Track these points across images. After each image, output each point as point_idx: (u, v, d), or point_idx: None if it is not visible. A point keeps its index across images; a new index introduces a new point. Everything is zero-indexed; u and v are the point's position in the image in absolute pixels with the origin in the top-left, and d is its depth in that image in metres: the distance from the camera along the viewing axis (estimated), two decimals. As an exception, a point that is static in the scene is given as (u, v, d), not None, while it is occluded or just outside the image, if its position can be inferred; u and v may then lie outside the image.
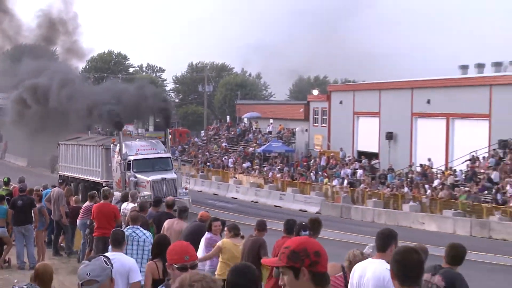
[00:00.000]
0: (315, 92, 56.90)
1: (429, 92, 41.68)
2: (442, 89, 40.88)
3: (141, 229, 10.73)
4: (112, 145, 37.33)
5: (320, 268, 3.74)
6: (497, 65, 46.61)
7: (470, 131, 38.77)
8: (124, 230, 9.63)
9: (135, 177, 33.84)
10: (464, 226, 29.16)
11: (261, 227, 11.40)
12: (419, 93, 42.36)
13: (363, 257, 7.56)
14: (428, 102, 41.19)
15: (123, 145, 35.29)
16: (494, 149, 35.77)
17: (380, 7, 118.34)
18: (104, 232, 14.12)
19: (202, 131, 65.78)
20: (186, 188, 35.29)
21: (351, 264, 7.46)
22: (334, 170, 43.90)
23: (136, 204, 14.78)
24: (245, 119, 59.49)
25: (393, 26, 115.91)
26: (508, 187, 30.37)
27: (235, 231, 11.52)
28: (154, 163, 35.11)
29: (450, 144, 40.75)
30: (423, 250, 6.81)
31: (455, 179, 34.82)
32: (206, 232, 11.75)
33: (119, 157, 35.45)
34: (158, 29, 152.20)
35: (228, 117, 67.84)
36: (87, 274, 4.35)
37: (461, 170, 35.68)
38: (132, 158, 34.72)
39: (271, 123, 57.84)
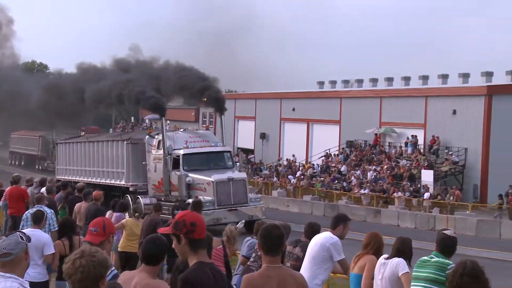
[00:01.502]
0: (204, 99, 60.20)
1: (294, 101, 46.50)
2: (304, 100, 46.05)
3: (44, 207, 10.45)
4: (147, 137, 26.51)
5: (195, 236, 4.15)
6: (346, 82, 52.43)
7: (325, 133, 44.61)
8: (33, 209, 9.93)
9: (188, 177, 23.17)
10: (319, 209, 33.02)
11: (157, 208, 13.01)
12: (286, 102, 47.57)
13: (237, 231, 8.51)
14: (293, 109, 46.07)
15: (166, 137, 24.53)
16: (343, 148, 41.75)
17: (261, 30, 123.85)
18: (14, 211, 14.39)
19: (111, 129, 64.92)
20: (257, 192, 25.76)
21: (229, 238, 8.23)
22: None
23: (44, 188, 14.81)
24: (147, 120, 59.78)
25: (272, 46, 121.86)
26: (353, 178, 35.61)
27: (137, 212, 12.93)
28: (210, 158, 24.34)
29: (309, 143, 46.91)
30: (285, 227, 7.57)
31: (313, 171, 39.40)
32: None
33: (160, 152, 24.63)
34: (71, 36, 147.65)
35: (132, 118, 70.27)
36: (3, 248, 4.40)
37: (317, 164, 40.81)
38: (181, 152, 23.81)
39: (168, 124, 60.22)
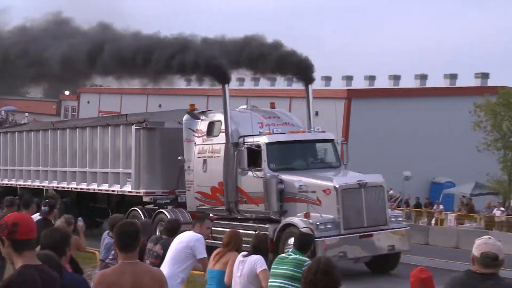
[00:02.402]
0: (67, 92, 58.19)
1: (161, 98, 44.89)
2: (171, 96, 43.58)
3: None
4: (186, 118, 16.09)
5: (18, 236, 3.80)
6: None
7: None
8: None
9: (298, 182, 13.20)
10: None
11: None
12: (153, 98, 46.21)
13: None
14: (160, 106, 43.77)
15: (229, 117, 14.63)
16: None
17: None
18: None
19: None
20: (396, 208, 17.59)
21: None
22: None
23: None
24: (2, 111, 57.27)
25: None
26: None
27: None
28: (309, 151, 14.81)
29: None
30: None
31: None
32: None
33: (216, 141, 14.98)
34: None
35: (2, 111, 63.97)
36: None
37: None
38: (264, 140, 14.06)
39: (26, 116, 55.19)
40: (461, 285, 4.22)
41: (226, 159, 14.25)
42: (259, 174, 13.65)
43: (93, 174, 20.22)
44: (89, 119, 22.42)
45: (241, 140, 14.23)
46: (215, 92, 37.28)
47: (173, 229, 7.60)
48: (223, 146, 14.46)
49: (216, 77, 14.47)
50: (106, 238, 8.38)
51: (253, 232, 12.46)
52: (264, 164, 13.69)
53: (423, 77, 40.45)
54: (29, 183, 23.63)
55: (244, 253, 6.38)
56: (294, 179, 13.17)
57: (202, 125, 15.38)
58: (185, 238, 6.98)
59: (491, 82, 37.01)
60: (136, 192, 17.83)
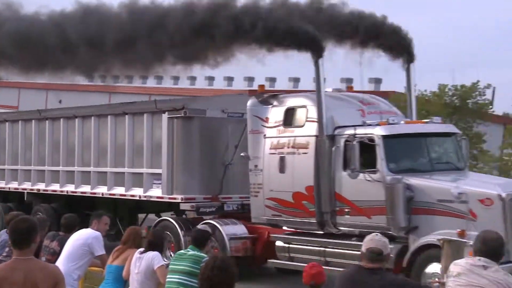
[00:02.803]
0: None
1: (62, 93, 41.75)
2: (72, 92, 40.56)
3: None
4: (250, 102, 12.45)
5: None
6: (116, 77, 45.70)
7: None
8: None
9: (409, 189, 9.83)
10: None
11: None
12: (53, 94, 42.66)
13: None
14: (60, 102, 40.52)
15: (323, 101, 10.85)
16: None
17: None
18: None
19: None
20: None
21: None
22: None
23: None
24: None
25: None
26: None
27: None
28: (430, 147, 10.89)
29: None
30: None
31: None
32: None
33: (296, 134, 11.32)
34: None
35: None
36: None
37: None
38: (380, 132, 10.34)
39: None
40: (349, 280, 4.54)
41: (319, 156, 10.62)
42: (375, 177, 10.01)
43: (100, 175, 16.27)
44: (93, 107, 18.33)
45: (338, 131, 10.68)
46: (119, 89, 35.32)
47: (70, 226, 7.52)
48: (312, 140, 10.84)
49: (311, 49, 10.75)
50: (3, 235, 7.91)
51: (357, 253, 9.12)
52: (382, 164, 10.06)
53: (272, 80, 41.64)
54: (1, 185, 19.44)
55: (141, 249, 6.38)
56: (445, 186, 9.60)
57: (276, 113, 11.60)
58: (82, 236, 7.02)
59: (383, 87, 37.78)
60: (170, 198, 13.99)
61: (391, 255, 9.33)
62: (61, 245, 7.10)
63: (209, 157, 14.10)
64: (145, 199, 14.77)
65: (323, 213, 10.59)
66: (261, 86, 12.06)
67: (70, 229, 7.43)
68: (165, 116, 14.22)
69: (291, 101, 11.63)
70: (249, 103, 12.19)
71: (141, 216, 17.32)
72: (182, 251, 6.27)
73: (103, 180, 16.11)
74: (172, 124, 14.11)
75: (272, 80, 41.77)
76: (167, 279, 6.01)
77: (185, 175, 13.92)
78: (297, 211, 11.03)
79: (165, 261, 6.66)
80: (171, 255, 12.74)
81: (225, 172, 14.09)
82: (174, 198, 13.83)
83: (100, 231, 7.12)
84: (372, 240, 4.52)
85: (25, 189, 18.78)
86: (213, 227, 12.60)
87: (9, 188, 19.36)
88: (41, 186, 18.17)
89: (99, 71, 16.23)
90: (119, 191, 15.50)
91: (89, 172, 16.51)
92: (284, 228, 11.63)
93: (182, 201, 13.59)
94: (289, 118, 11.42)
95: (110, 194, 15.79)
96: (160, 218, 14.39)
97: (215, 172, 14.07)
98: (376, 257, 4.42)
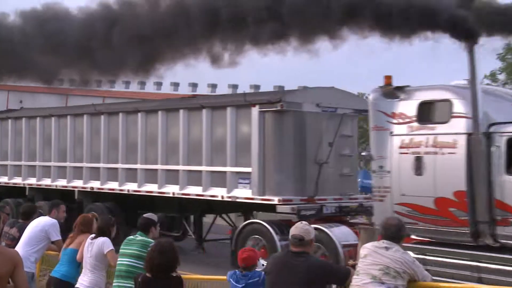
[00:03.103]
0: None
1: (23, 94, 42.53)
2: (32, 93, 41.23)
3: None
4: (373, 96, 10.46)
5: None
6: (72, 80, 50.85)
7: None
8: None
9: None
10: None
11: None
12: (14, 95, 43.76)
13: None
14: (21, 101, 41.39)
15: (478, 94, 9.02)
16: None
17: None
18: None
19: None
20: None
21: None
22: None
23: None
24: None
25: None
26: None
27: None
28: None
29: None
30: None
31: None
32: None
33: (443, 129, 9.44)
34: None
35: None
36: None
37: None
38: None
39: None
40: (279, 261, 5.13)
41: (473, 157, 9.17)
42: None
43: (169, 173, 14.79)
44: (160, 101, 16.83)
45: (494, 128, 9.20)
46: (79, 92, 36.16)
47: (28, 214, 8.12)
48: (461, 138, 9.38)
49: (465, 35, 9.26)
50: None
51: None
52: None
53: (257, 87, 46.54)
54: (46, 182, 17.93)
55: (93, 235, 6.84)
56: None
57: (405, 107, 10.11)
58: (41, 223, 7.63)
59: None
60: (263, 200, 12.51)
61: None
62: (20, 231, 7.74)
63: (302, 155, 12.71)
64: (229, 200, 13.30)
65: (479, 222, 9.14)
66: (388, 78, 10.52)
67: (28, 217, 8.02)
68: (255, 110, 12.72)
69: (425, 94, 10.11)
70: (371, 96, 10.66)
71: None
72: (131, 236, 6.56)
73: (172, 178, 14.64)
74: (263, 119, 12.64)
75: (214, 86, 47.39)
76: (118, 262, 6.43)
77: (279, 174, 12.48)
78: (441, 219, 9.53)
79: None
80: (262, 264, 11.40)
81: (319, 172, 12.73)
82: (269, 200, 12.36)
83: (58, 219, 7.76)
84: (297, 227, 5.12)
85: (76, 187, 17.34)
86: (322, 232, 11.21)
87: (56, 186, 17.90)
88: (94, 184, 16.71)
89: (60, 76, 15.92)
90: (194, 190, 14.03)
91: (155, 170, 15.04)
92: (412, 236, 10.20)
93: (280, 203, 12.12)
94: (425, 113, 9.90)
95: (183, 194, 14.32)
96: (247, 221, 12.91)
97: (309, 171, 12.68)
98: (299, 242, 5.03)
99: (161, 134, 14.91)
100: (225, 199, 13.25)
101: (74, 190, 17.39)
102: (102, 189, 16.43)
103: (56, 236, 7.52)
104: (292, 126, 12.55)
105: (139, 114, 15.57)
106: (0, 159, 19.78)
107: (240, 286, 5.58)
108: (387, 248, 4.98)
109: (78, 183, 17.23)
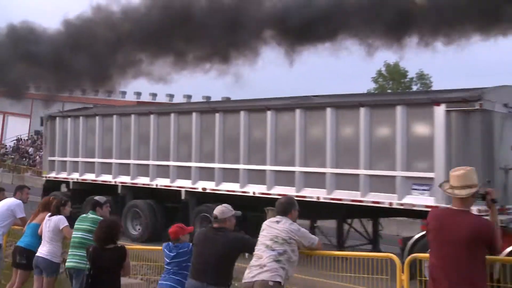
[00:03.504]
0: None
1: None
2: None
3: None
4: None
5: None
6: None
7: (18, 124, 51.60)
8: None
9: None
10: (8, 179, 35.98)
11: None
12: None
13: None
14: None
15: None
16: (31, 135, 48.56)
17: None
18: None
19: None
20: None
21: None
22: None
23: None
24: None
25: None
26: (37, 157, 40.70)
27: None
28: None
29: (4, 131, 54.42)
30: None
31: (6, 150, 47.87)
32: None
33: None
34: None
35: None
36: None
37: (10, 145, 48.85)
38: None
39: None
40: (203, 235, 6.17)
41: None
42: None
43: (310, 176, 13.53)
44: (290, 98, 15.45)
45: None
46: (60, 99, 34.62)
47: None
48: None
49: None
50: None
51: None
52: None
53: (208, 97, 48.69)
54: (164, 182, 16.40)
55: (49, 214, 8.19)
56: None
57: None
58: (7, 203, 9.17)
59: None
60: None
61: None
62: None
63: (490, 160, 11.56)
64: (401, 207, 12.08)
65: None
66: None
67: None
68: (440, 109, 11.52)
69: None
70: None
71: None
72: (84, 215, 7.88)
73: (316, 182, 13.37)
74: (450, 119, 11.47)
75: (171, 96, 47.72)
76: (73, 235, 7.71)
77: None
78: None
79: None
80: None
81: (506, 179, 11.62)
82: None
83: (22, 199, 9.19)
84: (217, 208, 6.26)
85: (182, 187, 15.99)
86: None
87: (156, 185, 16.54)
88: (205, 185, 15.39)
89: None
90: (347, 195, 12.77)
91: (292, 172, 13.75)
92: None
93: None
94: None
95: (331, 199, 13.05)
96: (418, 235, 11.66)
97: (497, 178, 11.54)
98: (215, 220, 6.18)
99: (299, 134, 13.64)
100: (395, 206, 12.01)
101: (180, 190, 15.98)
102: (218, 190, 15.04)
103: (21, 213, 9.04)
104: (479, 127, 11.39)
105: (268, 113, 14.25)
106: (87, 156, 18.48)
107: (172, 254, 6.63)
108: (278, 222, 5.96)
109: (184, 183, 15.83)
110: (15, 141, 49.01)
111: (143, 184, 16.73)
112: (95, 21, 15.35)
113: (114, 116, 17.79)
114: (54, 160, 19.39)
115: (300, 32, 14.88)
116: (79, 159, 18.69)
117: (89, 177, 18.26)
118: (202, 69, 16.56)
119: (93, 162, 18.24)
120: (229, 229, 6.18)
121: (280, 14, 14.91)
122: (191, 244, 6.57)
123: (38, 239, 8.25)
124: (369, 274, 7.01)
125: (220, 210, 6.24)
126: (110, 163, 17.71)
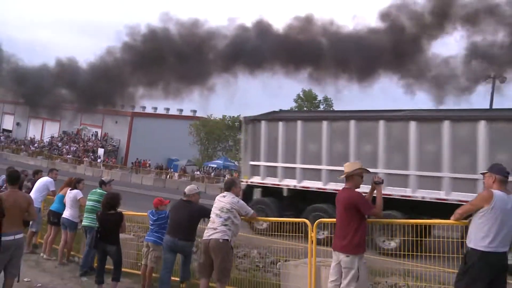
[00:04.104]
0: None
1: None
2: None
3: None
4: None
5: None
6: None
7: (50, 127, 63.85)
8: None
9: None
10: (44, 163, 46.50)
11: None
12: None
13: None
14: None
15: None
16: (60, 134, 62.72)
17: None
18: None
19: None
20: None
21: None
22: None
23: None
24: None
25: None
26: (64, 149, 56.64)
27: None
28: None
29: (43, 131, 65.57)
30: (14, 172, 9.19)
31: (44, 144, 60.65)
32: None
33: None
34: None
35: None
36: None
37: (46, 141, 61.63)
38: None
39: None
40: (176, 205, 8.71)
41: None
42: None
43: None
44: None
45: None
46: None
47: (17, 177, 9.34)
48: None
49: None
50: (1, 178, 14.23)
51: None
52: None
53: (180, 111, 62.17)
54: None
55: (69, 188, 11.40)
56: None
57: None
58: (43, 180, 12.23)
59: (199, 114, 58.14)
60: None
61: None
62: (33, 184, 12.50)
63: None
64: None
65: None
66: None
67: (18, 180, 9.99)
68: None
69: None
70: None
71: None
72: (94, 190, 10.61)
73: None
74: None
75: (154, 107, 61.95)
76: (86, 204, 10.52)
77: None
78: None
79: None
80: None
81: None
82: None
83: (53, 178, 12.33)
84: (187, 187, 8.72)
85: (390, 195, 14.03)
86: None
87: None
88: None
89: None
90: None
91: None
92: None
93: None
94: None
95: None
96: None
97: None
98: (184, 195, 8.62)
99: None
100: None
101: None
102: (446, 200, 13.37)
103: (52, 187, 12.14)
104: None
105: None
106: (287, 161, 16.41)
107: (154, 218, 9.11)
108: (224, 196, 8.03)
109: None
110: (49, 138, 62.76)
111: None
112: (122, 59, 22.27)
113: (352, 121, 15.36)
114: (258, 165, 16.82)
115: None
116: (297, 165, 15.84)
117: (312, 184, 15.50)
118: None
119: (320, 170, 15.41)
120: (194, 202, 8.56)
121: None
122: (168, 211, 8.98)
123: (63, 205, 11.34)
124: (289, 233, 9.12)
125: (188, 188, 8.73)
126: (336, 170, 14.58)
